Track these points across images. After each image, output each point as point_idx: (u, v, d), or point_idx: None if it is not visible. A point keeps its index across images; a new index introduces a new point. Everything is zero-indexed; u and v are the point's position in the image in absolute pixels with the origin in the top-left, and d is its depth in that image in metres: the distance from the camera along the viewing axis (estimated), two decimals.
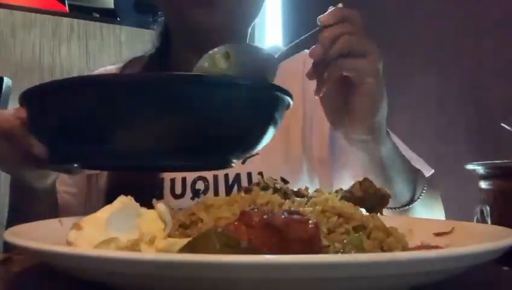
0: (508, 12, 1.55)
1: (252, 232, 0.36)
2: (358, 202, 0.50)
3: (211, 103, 0.45)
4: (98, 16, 2.15)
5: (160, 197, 0.80)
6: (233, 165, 0.56)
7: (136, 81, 0.46)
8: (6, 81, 1.56)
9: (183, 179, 0.81)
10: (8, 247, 0.47)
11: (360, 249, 0.40)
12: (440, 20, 1.74)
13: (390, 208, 0.71)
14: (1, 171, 0.65)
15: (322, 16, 0.63)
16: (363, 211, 0.48)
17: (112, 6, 2.22)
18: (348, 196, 0.52)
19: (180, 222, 0.46)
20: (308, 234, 0.36)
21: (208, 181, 0.81)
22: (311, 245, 0.36)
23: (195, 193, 0.81)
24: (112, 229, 0.42)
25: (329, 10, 0.64)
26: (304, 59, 0.96)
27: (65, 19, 2.02)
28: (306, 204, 0.47)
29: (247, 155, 0.55)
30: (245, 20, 0.86)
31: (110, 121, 0.46)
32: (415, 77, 1.69)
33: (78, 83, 0.47)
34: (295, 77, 0.88)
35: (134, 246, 0.40)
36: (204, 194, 0.80)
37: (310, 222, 0.37)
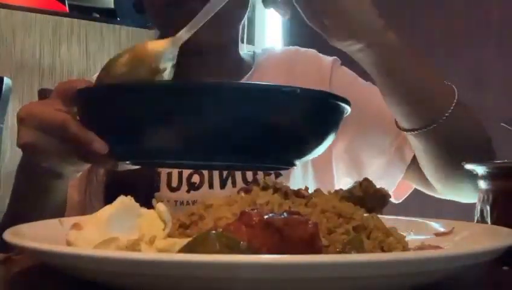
0: (508, 12, 1.55)
1: (252, 232, 0.36)
2: (358, 202, 0.50)
3: (277, 113, 0.49)
4: (98, 16, 2.15)
5: (157, 189, 0.81)
6: (296, 165, 0.58)
7: (201, 90, 0.49)
8: (6, 81, 1.56)
9: (180, 173, 0.83)
10: (7, 247, 0.47)
11: (360, 249, 0.40)
12: (440, 20, 1.74)
13: (411, 129, 0.69)
14: (40, 163, 0.62)
15: None
16: (363, 211, 0.48)
17: (112, 6, 2.22)
18: (348, 196, 0.52)
19: (180, 222, 0.46)
20: (308, 234, 0.36)
21: (203, 175, 0.82)
22: (311, 245, 0.36)
23: (191, 186, 0.82)
24: (112, 229, 0.42)
25: None
26: (296, 55, 0.97)
27: (65, 19, 2.02)
28: (306, 204, 0.47)
29: (307, 159, 0.58)
30: (226, 26, 0.85)
31: (178, 123, 0.48)
32: None
33: (146, 88, 0.51)
34: (278, 70, 0.89)
35: (134, 246, 0.40)
36: (200, 188, 0.81)
37: (310, 222, 0.37)
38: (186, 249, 0.35)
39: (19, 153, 0.64)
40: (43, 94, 1.42)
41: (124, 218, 0.43)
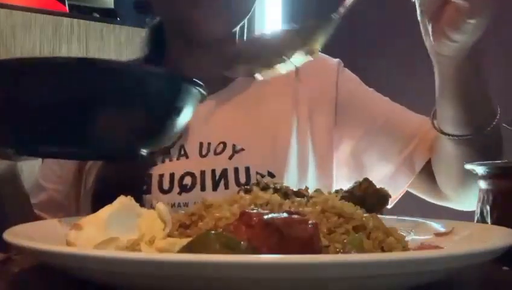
0: (508, 11, 1.55)
1: (252, 232, 0.36)
2: (358, 202, 0.50)
3: (106, 90, 0.46)
4: (98, 16, 2.15)
5: (148, 192, 0.80)
6: (142, 157, 0.55)
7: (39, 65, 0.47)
8: None
9: (171, 175, 0.82)
10: (7, 247, 0.47)
11: (360, 249, 0.40)
12: None
13: (457, 136, 0.70)
14: None
15: None
16: (363, 211, 0.48)
17: (112, 6, 2.22)
18: (348, 196, 0.52)
19: (180, 222, 0.46)
20: (308, 234, 0.36)
21: (195, 177, 0.81)
22: (311, 245, 0.36)
23: (183, 188, 0.81)
24: (112, 229, 0.42)
25: None
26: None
27: (65, 19, 2.02)
28: (306, 204, 0.47)
29: (156, 148, 0.55)
30: (236, 18, 0.87)
31: (25, 104, 0.46)
32: (415, 77, 1.69)
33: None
34: (287, 80, 0.89)
35: (134, 246, 0.40)
36: (191, 190, 0.81)
37: (310, 222, 0.37)
38: (186, 249, 0.35)
39: None
40: None
41: (124, 218, 0.43)
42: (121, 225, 0.43)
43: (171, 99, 0.50)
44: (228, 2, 0.82)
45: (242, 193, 0.50)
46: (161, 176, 0.82)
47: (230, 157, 0.82)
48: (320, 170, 0.87)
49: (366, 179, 0.55)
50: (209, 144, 0.83)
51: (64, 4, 2.09)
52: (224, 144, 0.83)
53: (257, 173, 0.81)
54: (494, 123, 0.71)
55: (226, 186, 0.80)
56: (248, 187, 0.52)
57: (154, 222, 0.44)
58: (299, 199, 0.49)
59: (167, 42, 0.92)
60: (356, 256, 0.31)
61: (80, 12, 2.12)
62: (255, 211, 0.38)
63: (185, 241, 0.37)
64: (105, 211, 0.43)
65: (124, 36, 2.12)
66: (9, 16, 1.92)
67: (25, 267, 0.45)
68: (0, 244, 0.40)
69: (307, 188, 0.53)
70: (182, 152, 0.83)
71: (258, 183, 0.52)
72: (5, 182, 0.69)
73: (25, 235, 0.41)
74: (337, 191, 0.54)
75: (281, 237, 0.35)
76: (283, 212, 0.39)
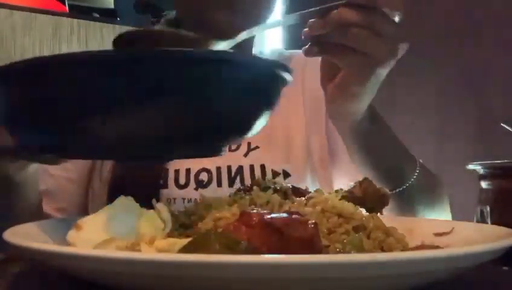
0: (508, 12, 1.55)
1: (252, 232, 0.36)
2: (358, 202, 0.50)
3: (197, 83, 0.40)
4: (98, 16, 2.15)
5: (164, 187, 0.80)
6: (222, 153, 0.51)
7: (112, 60, 0.40)
8: None
9: (187, 171, 0.82)
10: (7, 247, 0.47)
11: (360, 249, 0.40)
12: (441, 20, 1.74)
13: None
14: None
15: None
16: (363, 211, 0.48)
17: (112, 6, 2.22)
18: (348, 196, 0.52)
19: (180, 222, 0.46)
20: (308, 234, 0.36)
21: (211, 173, 0.82)
22: (311, 245, 0.36)
23: (199, 184, 0.81)
24: (112, 229, 0.42)
25: None
26: (305, 59, 0.97)
27: (65, 19, 2.02)
28: (306, 204, 0.47)
29: (239, 142, 0.51)
30: (259, 22, 0.86)
31: (83, 106, 0.40)
32: (415, 77, 1.69)
33: (48, 63, 0.41)
34: (295, 74, 0.89)
35: (134, 246, 0.40)
36: (208, 186, 0.81)
37: (310, 222, 0.37)
38: (186, 249, 0.35)
39: None
40: None
41: (124, 218, 0.43)
42: (121, 225, 0.43)
43: (262, 88, 0.45)
44: (250, 3, 0.82)
45: (242, 193, 0.50)
46: (177, 171, 0.82)
47: (245, 155, 0.83)
48: (335, 169, 0.88)
49: (366, 179, 0.55)
50: None
51: (64, 4, 2.09)
52: None
53: (272, 171, 0.81)
54: (412, 179, 0.72)
55: (242, 183, 0.80)
56: (248, 187, 0.52)
57: (154, 222, 0.44)
58: (299, 199, 0.49)
59: None
60: (356, 256, 0.31)
61: (79, 12, 2.12)
62: (255, 211, 0.38)
63: (185, 241, 0.37)
64: (105, 211, 0.43)
65: None
66: (9, 16, 1.92)
67: (25, 267, 0.45)
68: (0, 244, 0.40)
69: (307, 188, 0.53)
70: None
71: (258, 183, 0.52)
72: (27, 185, 0.67)
73: (25, 235, 0.41)
74: (337, 191, 0.54)
75: (281, 237, 0.35)
76: (283, 212, 0.39)
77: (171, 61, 0.39)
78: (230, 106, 0.42)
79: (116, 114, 0.40)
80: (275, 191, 0.50)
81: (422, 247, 0.46)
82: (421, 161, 0.75)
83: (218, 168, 0.82)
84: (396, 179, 0.72)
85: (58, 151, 0.47)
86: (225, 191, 0.73)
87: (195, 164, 0.82)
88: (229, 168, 0.82)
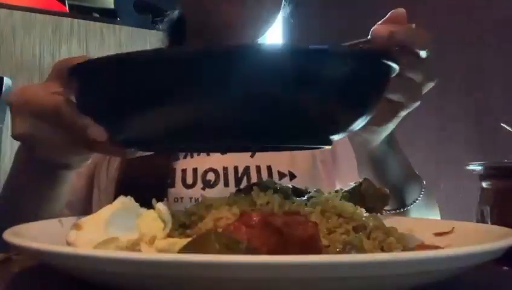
0: (508, 13, 1.55)
1: (252, 233, 0.36)
2: (358, 202, 0.50)
3: (320, 76, 0.40)
4: (98, 16, 2.15)
5: (172, 186, 0.80)
6: (331, 144, 0.50)
7: (222, 52, 0.40)
8: (6, 81, 1.56)
9: (194, 170, 0.82)
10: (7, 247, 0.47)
11: (360, 249, 0.40)
12: (441, 21, 1.74)
13: (385, 210, 0.71)
14: (40, 154, 0.54)
15: (380, 27, 0.53)
16: (363, 211, 0.48)
17: (112, 6, 2.22)
18: (348, 196, 0.52)
19: (180, 222, 0.46)
20: (308, 234, 0.36)
21: (218, 173, 0.82)
22: (311, 245, 0.36)
23: (206, 184, 0.81)
24: (112, 229, 0.42)
25: (390, 18, 0.54)
26: None
27: (65, 19, 2.02)
28: (306, 204, 0.47)
29: (346, 133, 0.49)
30: (268, 17, 0.86)
31: (188, 98, 0.40)
32: None
33: (155, 56, 0.41)
34: None
35: (134, 246, 0.40)
36: (215, 186, 0.81)
37: (310, 222, 0.37)
38: (186, 249, 0.35)
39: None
40: None
41: (124, 218, 0.43)
42: (121, 225, 0.43)
43: (374, 78, 0.45)
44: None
45: (242, 194, 0.50)
46: (184, 170, 0.82)
47: (252, 155, 0.83)
48: (341, 171, 0.88)
49: (366, 179, 0.55)
50: None
51: (64, 4, 2.09)
52: None
53: (279, 172, 0.81)
54: (418, 199, 0.73)
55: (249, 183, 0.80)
56: (248, 187, 0.52)
57: (154, 222, 0.44)
58: (299, 199, 0.49)
59: (189, 41, 0.91)
60: (356, 256, 0.31)
61: (79, 12, 2.12)
62: (254, 211, 0.38)
63: (185, 241, 0.37)
64: (105, 211, 0.43)
65: (124, 36, 2.12)
66: (9, 16, 1.92)
67: (25, 267, 0.45)
68: (0, 244, 0.40)
69: (306, 188, 0.53)
70: None
71: (258, 183, 0.52)
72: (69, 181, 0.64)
73: (25, 235, 0.41)
74: (337, 191, 0.54)
75: (281, 237, 0.35)
76: (283, 213, 0.39)
77: (304, 56, 0.40)
78: (347, 97, 0.42)
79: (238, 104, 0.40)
80: (275, 191, 0.50)
81: (422, 247, 0.46)
82: (424, 182, 0.76)
83: (225, 169, 0.82)
84: (401, 200, 0.72)
85: (150, 144, 0.47)
86: (232, 191, 0.73)
87: (202, 164, 0.82)
88: (235, 168, 0.82)
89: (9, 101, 0.52)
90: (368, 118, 0.46)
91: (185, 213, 0.47)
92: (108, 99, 0.43)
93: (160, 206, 0.45)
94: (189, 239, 0.37)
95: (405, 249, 0.43)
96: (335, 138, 0.48)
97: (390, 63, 0.44)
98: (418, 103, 0.58)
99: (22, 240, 0.36)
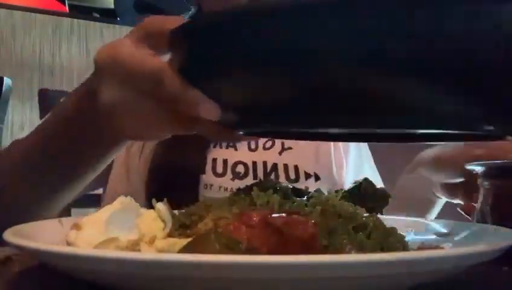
0: None
1: (252, 232, 0.36)
2: (358, 202, 0.50)
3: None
4: (98, 16, 2.15)
5: (202, 172, 0.80)
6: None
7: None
8: (7, 81, 1.56)
9: (224, 161, 0.82)
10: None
11: (360, 249, 0.40)
12: None
13: None
14: (122, 129, 0.45)
15: None
16: (363, 211, 0.48)
17: (112, 6, 2.23)
18: (348, 196, 0.52)
19: (180, 222, 0.46)
20: (308, 234, 0.36)
21: (247, 166, 0.82)
22: (311, 245, 0.36)
23: (236, 175, 0.82)
24: (112, 229, 0.42)
25: None
26: None
27: (65, 19, 2.02)
28: (306, 204, 0.47)
29: None
30: None
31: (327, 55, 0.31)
32: None
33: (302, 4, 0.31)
34: None
35: (134, 246, 0.40)
36: (244, 178, 0.82)
37: (310, 222, 0.37)
38: (186, 249, 0.35)
39: None
40: (44, 94, 1.42)
41: (124, 218, 0.43)
42: (121, 225, 0.43)
43: None
44: None
45: (242, 194, 0.50)
46: (214, 160, 0.82)
47: (280, 153, 0.84)
48: (347, 180, 0.89)
49: (366, 179, 0.55)
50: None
51: (64, 4, 2.09)
52: (273, 141, 0.84)
53: (305, 172, 0.82)
54: None
55: (277, 179, 0.81)
56: (248, 187, 0.52)
57: (154, 222, 0.44)
58: (299, 199, 0.49)
59: None
60: (356, 256, 0.31)
61: (79, 12, 2.12)
62: (255, 211, 0.38)
63: (185, 241, 0.37)
64: (105, 211, 0.43)
65: (124, 36, 2.12)
66: (9, 16, 1.92)
67: (25, 267, 0.45)
68: (0, 244, 0.40)
69: (307, 188, 0.53)
70: (230, 143, 0.83)
71: (258, 183, 0.52)
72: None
73: (25, 235, 0.41)
74: (337, 191, 0.54)
75: (281, 237, 0.35)
76: (283, 212, 0.39)
77: None
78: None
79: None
80: (275, 191, 0.50)
81: (422, 247, 0.46)
82: None
83: (254, 163, 0.82)
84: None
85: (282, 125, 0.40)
86: None
87: (231, 156, 0.83)
88: (264, 163, 0.82)
89: (96, 60, 0.43)
90: None
91: (185, 213, 0.47)
92: (236, 62, 0.34)
93: (160, 206, 0.45)
94: (189, 239, 0.37)
95: (405, 249, 0.43)
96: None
97: None
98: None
99: (22, 240, 0.36)
